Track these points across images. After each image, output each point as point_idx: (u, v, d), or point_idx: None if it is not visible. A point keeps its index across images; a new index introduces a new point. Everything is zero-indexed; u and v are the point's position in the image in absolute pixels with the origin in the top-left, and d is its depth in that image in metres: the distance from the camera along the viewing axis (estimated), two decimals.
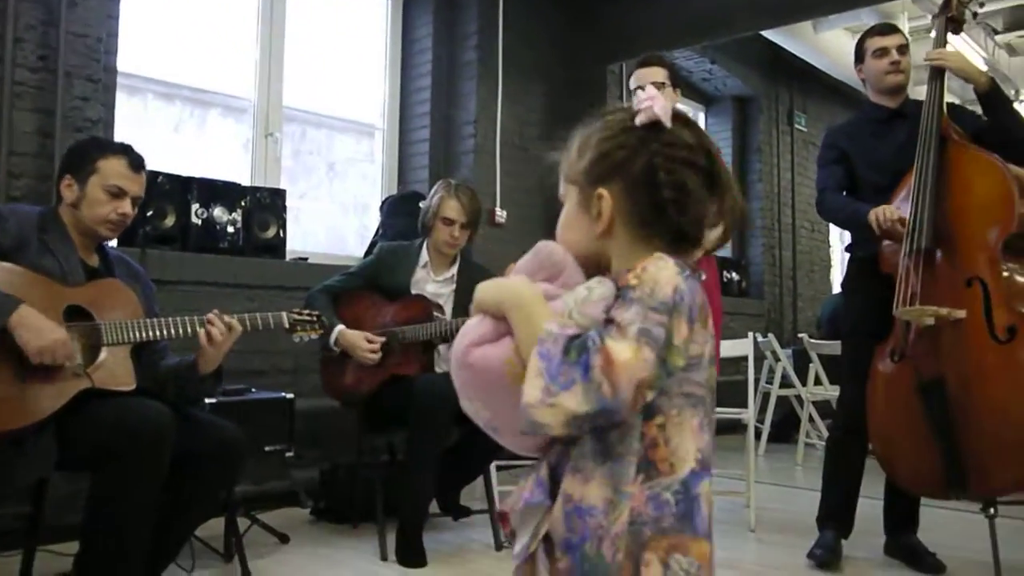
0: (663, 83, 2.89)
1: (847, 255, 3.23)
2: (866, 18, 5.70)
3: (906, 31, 5.81)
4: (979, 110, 2.91)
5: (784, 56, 7.11)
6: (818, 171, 3.17)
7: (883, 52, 3.01)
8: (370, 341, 3.09)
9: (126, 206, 2.36)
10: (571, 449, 1.04)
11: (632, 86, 2.96)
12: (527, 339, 1.02)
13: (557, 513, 1.03)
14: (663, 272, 1.01)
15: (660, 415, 1.02)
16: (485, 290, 1.11)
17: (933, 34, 2.98)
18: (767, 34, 6.35)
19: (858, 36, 3.17)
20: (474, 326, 1.10)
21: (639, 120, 1.10)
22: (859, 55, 3.10)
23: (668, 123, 1.10)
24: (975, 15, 3.07)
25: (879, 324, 2.86)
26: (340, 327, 3.14)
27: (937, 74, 2.86)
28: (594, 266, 1.13)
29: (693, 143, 1.11)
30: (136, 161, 2.40)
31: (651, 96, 1.11)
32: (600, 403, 0.95)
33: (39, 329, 2.07)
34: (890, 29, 3.07)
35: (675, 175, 1.08)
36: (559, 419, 0.96)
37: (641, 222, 1.10)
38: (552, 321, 1.01)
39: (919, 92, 2.98)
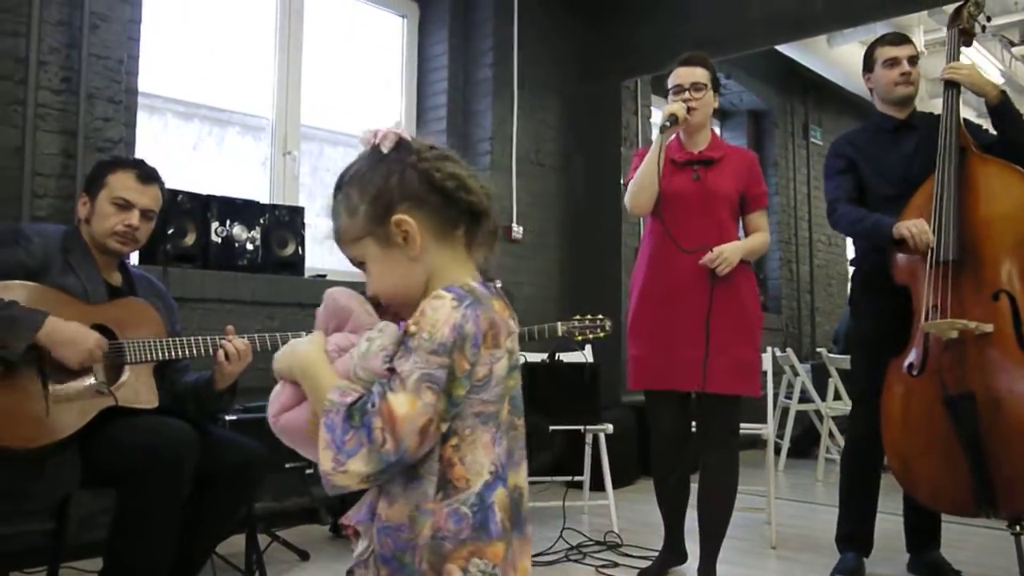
0: (704, 84, 2.80)
1: (851, 268, 3.18)
2: (881, 31, 5.69)
3: (921, 44, 5.86)
4: (985, 124, 2.90)
5: (799, 70, 7.12)
6: (826, 182, 3.10)
7: (894, 62, 2.97)
8: None
9: (133, 218, 2.37)
10: None
11: (670, 84, 2.86)
12: (317, 403, 1.12)
13: (373, 531, 1.14)
14: (440, 312, 1.08)
15: (455, 436, 1.11)
16: (279, 359, 1.20)
17: (925, 46, 2.96)
18: (782, 48, 6.36)
19: None
20: (277, 394, 1.20)
21: (385, 147, 1.19)
22: (868, 64, 3.07)
23: (408, 137, 1.21)
24: (983, 28, 3.05)
25: (890, 338, 2.82)
26: None
27: (952, 86, 2.84)
28: (421, 297, 1.18)
29: (434, 143, 1.23)
30: (145, 174, 2.42)
31: (378, 129, 1.21)
32: (384, 461, 1.05)
33: (72, 342, 2.10)
34: (901, 39, 3.03)
35: (443, 169, 1.19)
36: (354, 480, 1.06)
37: (442, 221, 1.19)
38: (335, 389, 1.10)
39: (935, 105, 2.96)
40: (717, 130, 7.42)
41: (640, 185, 2.77)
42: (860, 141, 3.07)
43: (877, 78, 3.03)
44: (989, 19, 3.09)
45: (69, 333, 2.11)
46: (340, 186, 1.23)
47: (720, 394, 2.69)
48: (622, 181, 5.47)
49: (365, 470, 1.05)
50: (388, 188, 1.18)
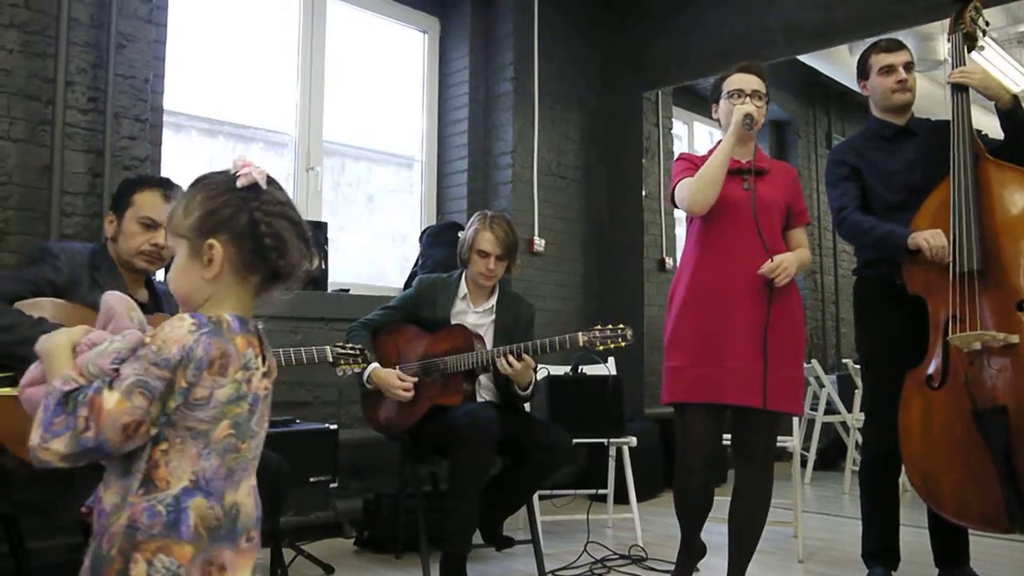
0: (764, 94, 2.75)
1: (854, 277, 3.11)
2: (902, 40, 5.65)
3: (945, 52, 5.80)
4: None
5: (821, 79, 7.09)
6: (830, 189, 3.03)
7: (890, 70, 2.94)
8: (401, 379, 3.09)
9: (159, 237, 2.39)
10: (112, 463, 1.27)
11: (726, 90, 2.78)
12: (48, 385, 1.25)
13: (95, 513, 1.27)
14: (175, 332, 1.23)
15: (165, 442, 1.24)
16: (39, 341, 1.33)
17: (949, 53, 2.92)
18: (803, 58, 6.33)
19: None
20: (31, 370, 1.35)
21: (240, 183, 1.33)
22: (863, 71, 3.03)
23: (264, 185, 1.34)
24: (984, 32, 3.00)
25: (901, 349, 2.76)
26: (373, 365, 3.12)
27: (961, 91, 2.79)
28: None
29: (284, 200, 1.36)
30: (171, 193, 2.44)
31: (248, 164, 1.34)
32: (81, 445, 1.18)
33: None
34: (896, 46, 2.99)
35: (273, 227, 1.32)
36: (54, 457, 1.18)
37: (245, 265, 1.33)
38: (61, 377, 1.23)
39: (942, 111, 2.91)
40: None
41: (706, 181, 2.64)
42: (861, 148, 3.02)
43: (874, 86, 2.99)
44: (988, 23, 3.05)
45: None
46: (196, 183, 1.37)
47: (772, 411, 2.58)
48: (644, 192, 5.47)
49: (64, 451, 1.18)
50: (219, 215, 1.31)
